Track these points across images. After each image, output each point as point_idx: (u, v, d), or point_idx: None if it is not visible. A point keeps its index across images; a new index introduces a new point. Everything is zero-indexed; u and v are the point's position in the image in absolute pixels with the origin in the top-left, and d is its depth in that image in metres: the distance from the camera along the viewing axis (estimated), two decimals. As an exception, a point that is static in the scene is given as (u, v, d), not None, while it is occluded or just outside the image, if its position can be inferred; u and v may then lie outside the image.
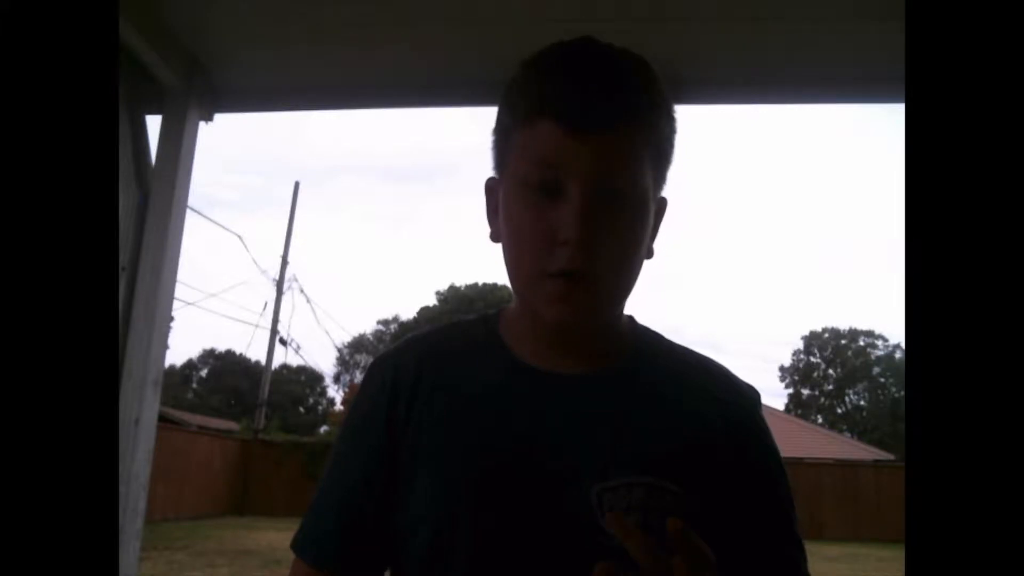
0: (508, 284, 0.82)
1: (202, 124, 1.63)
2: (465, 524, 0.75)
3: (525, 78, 0.78)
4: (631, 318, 0.89)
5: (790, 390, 44.01)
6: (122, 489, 1.37)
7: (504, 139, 0.81)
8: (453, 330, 0.89)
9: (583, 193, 0.73)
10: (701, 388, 0.83)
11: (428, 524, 0.76)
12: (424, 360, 0.84)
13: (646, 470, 0.76)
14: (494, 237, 0.83)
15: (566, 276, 0.74)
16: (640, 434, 0.78)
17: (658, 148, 0.79)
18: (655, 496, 0.75)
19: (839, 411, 42.36)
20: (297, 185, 22.45)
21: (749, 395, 0.86)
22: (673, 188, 0.85)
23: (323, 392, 44.19)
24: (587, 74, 0.74)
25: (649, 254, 0.83)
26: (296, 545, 0.82)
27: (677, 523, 0.59)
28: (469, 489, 0.76)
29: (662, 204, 0.84)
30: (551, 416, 0.78)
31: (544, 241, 0.75)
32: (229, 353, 41.81)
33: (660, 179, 0.81)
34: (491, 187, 0.84)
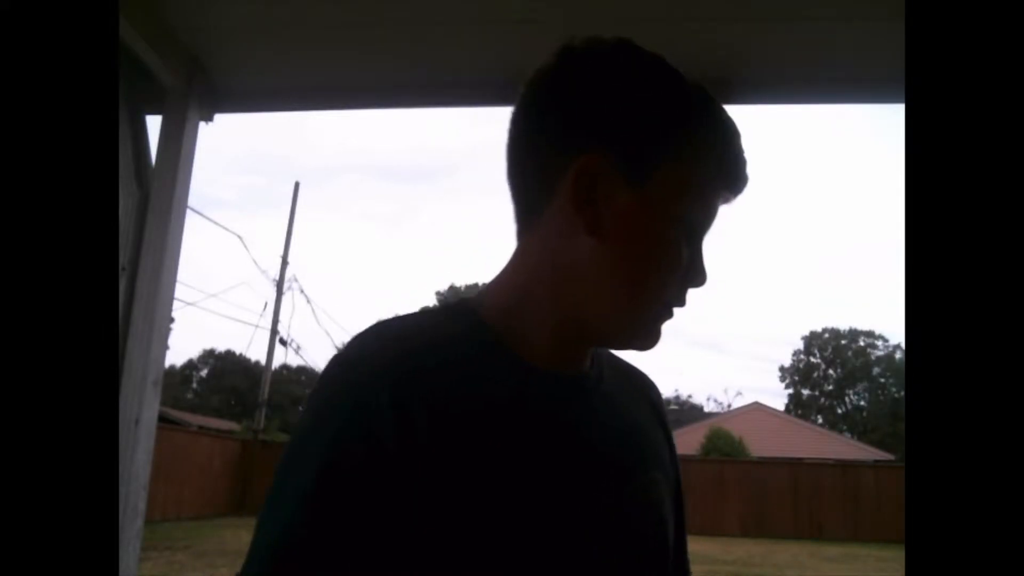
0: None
1: (202, 124, 1.63)
2: (500, 535, 0.64)
3: (718, 126, 0.77)
4: None
5: (790, 390, 44.01)
6: (122, 489, 1.37)
7: (662, 147, 0.73)
8: (425, 327, 0.74)
9: (701, 245, 0.77)
10: (638, 381, 0.90)
11: (456, 543, 0.63)
12: (403, 374, 0.65)
13: (652, 466, 0.81)
14: (590, 230, 0.72)
15: (669, 311, 0.77)
16: (633, 433, 0.81)
17: None
18: (656, 489, 0.80)
19: (839, 411, 42.35)
20: (297, 185, 22.42)
21: (652, 381, 0.93)
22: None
23: (323, 392, 44.03)
24: (742, 148, 0.78)
25: None
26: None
27: None
28: (498, 502, 0.65)
29: None
30: (564, 419, 0.73)
31: (675, 273, 0.75)
32: (229, 353, 41.80)
33: None
34: (591, 171, 0.72)
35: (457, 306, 0.78)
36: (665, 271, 0.73)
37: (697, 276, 0.76)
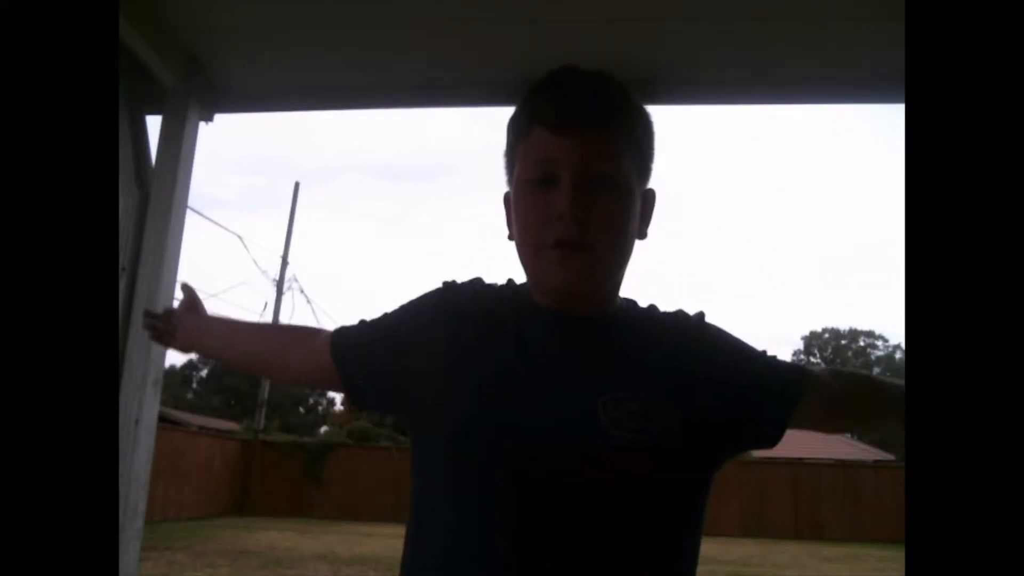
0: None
1: (202, 124, 1.63)
2: (491, 415, 0.89)
3: (520, 104, 0.98)
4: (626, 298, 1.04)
5: (790, 390, 43.86)
6: (122, 489, 1.37)
7: (511, 155, 0.99)
8: (491, 286, 1.07)
9: (571, 177, 0.90)
10: (671, 323, 1.01)
11: (457, 409, 0.91)
12: (469, 294, 1.02)
13: (641, 387, 0.91)
14: (511, 237, 1.00)
15: (562, 246, 0.90)
16: (636, 360, 0.94)
17: (636, 146, 0.96)
18: (648, 407, 0.89)
19: (839, 411, 42.26)
20: (297, 185, 22.45)
21: (698, 319, 1.03)
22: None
23: (323, 392, 44.13)
24: (566, 90, 0.94)
25: (641, 235, 0.99)
26: (336, 335, 1.07)
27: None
28: (492, 391, 0.91)
29: (650, 194, 1.01)
30: (564, 342, 0.94)
31: (544, 219, 0.91)
32: (229, 353, 41.60)
33: (643, 171, 0.98)
34: (507, 199, 1.01)
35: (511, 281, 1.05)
36: (531, 223, 0.93)
37: (560, 208, 0.90)
